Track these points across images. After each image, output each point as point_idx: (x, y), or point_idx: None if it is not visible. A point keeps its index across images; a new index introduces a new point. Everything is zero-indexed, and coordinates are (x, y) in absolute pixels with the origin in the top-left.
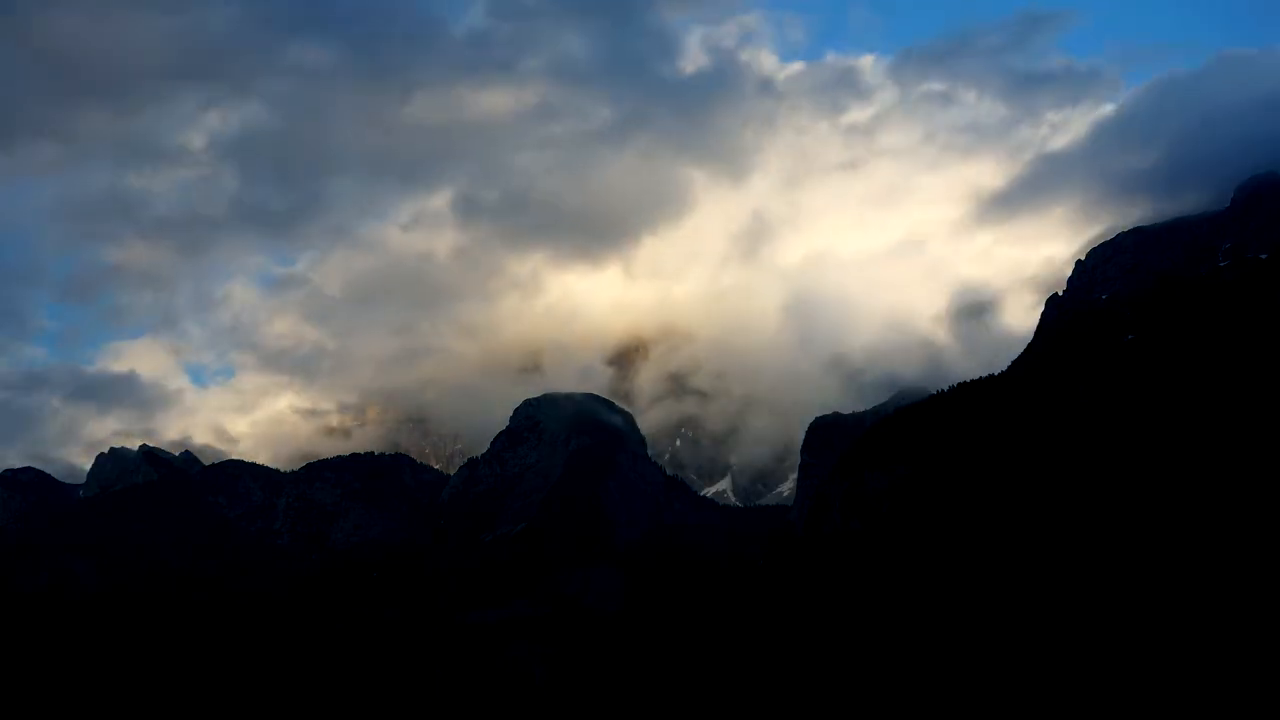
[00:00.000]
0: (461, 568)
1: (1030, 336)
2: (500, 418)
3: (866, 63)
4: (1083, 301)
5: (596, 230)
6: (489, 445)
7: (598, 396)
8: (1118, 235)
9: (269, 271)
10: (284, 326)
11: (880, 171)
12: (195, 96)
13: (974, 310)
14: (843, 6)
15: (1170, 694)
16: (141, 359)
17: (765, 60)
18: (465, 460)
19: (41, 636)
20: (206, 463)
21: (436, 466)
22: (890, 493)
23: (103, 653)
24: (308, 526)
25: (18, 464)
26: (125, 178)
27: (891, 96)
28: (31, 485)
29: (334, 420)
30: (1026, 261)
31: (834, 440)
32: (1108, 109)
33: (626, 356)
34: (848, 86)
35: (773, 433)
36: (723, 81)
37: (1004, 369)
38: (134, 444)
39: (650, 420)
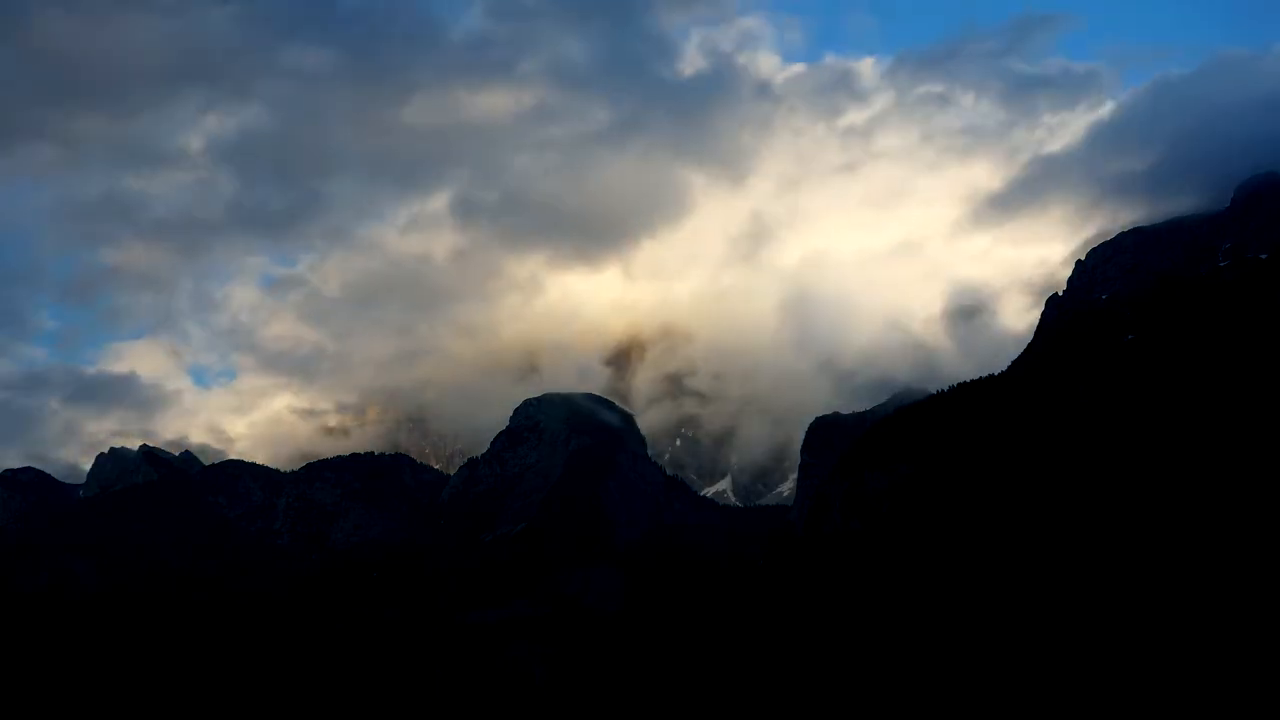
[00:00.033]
0: (461, 568)
1: (1027, 337)
2: (500, 418)
3: (864, 65)
4: (1083, 301)
5: (595, 232)
6: (489, 445)
7: (597, 396)
8: (1118, 235)
9: (268, 273)
10: (283, 328)
11: (878, 173)
12: (194, 99)
13: (971, 311)
14: (840, 9)
15: (1170, 694)
16: (141, 360)
17: (764, 63)
18: (465, 460)
19: (41, 636)
20: (206, 463)
21: (436, 466)
22: (890, 493)
23: (103, 653)
24: (308, 526)
25: (18, 464)
26: (124, 180)
27: (889, 99)
28: (31, 485)
29: (333, 420)
30: (1023, 263)
31: (834, 440)
32: (1104, 111)
33: (625, 357)
34: (845, 89)
35: (772, 433)
36: (721, 84)
37: (1004, 369)
38: (134, 444)
39: (649, 420)
